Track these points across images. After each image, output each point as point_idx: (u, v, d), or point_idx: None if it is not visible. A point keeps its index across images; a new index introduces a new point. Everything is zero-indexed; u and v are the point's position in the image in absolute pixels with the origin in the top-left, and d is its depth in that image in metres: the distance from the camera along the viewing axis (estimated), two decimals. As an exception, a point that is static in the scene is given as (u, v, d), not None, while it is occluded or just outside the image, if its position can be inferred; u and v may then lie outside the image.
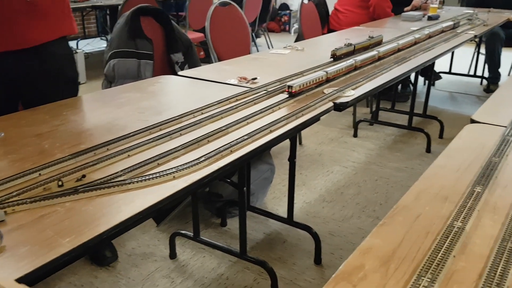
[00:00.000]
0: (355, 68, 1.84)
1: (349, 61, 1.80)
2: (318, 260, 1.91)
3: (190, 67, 2.43)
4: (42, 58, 1.55)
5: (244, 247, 1.76)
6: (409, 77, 4.03)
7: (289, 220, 2.00)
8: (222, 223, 2.21)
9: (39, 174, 0.99)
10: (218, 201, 2.22)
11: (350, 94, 1.50)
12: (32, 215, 0.84)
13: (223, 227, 2.19)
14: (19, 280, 0.68)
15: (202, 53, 5.06)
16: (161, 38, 2.48)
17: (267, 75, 1.81)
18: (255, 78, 1.76)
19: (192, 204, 1.89)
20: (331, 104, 1.44)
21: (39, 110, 1.43)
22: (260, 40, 6.32)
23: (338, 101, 1.47)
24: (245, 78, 1.76)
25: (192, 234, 1.94)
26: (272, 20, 7.56)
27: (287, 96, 1.51)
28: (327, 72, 1.63)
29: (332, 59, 2.03)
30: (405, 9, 4.01)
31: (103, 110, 1.45)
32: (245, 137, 1.19)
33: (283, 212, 2.19)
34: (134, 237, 2.10)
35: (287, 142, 2.92)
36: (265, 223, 2.20)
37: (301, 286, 1.78)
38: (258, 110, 1.38)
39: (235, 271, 1.87)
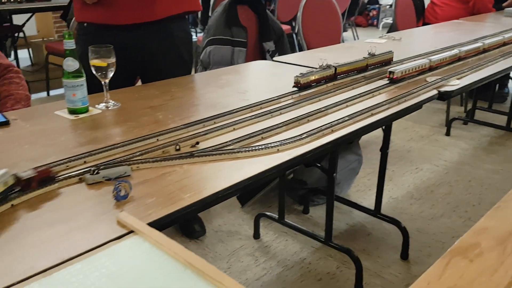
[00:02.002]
0: (459, 58, 1.77)
1: (453, 51, 1.72)
2: (405, 255, 1.86)
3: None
4: (163, 38, 1.63)
5: (329, 233, 1.77)
6: (508, 76, 3.76)
7: (376, 212, 1.97)
8: (304, 211, 2.23)
9: (157, 139, 1.08)
10: (301, 189, 2.24)
11: (455, 84, 1.45)
12: (155, 172, 0.92)
13: (305, 214, 2.21)
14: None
15: (287, 46, 5.10)
16: (255, 27, 2.55)
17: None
18: (352, 66, 1.75)
19: (279, 186, 1.93)
20: (435, 92, 1.40)
21: (150, 86, 1.55)
22: (347, 34, 6.21)
23: (442, 89, 1.42)
24: (341, 65, 1.75)
25: (277, 216, 1.98)
26: (360, 14, 7.40)
27: (387, 82, 1.49)
28: (430, 60, 1.58)
29: (296, 89, 1.44)
30: (504, 4, 3.74)
31: (206, 89, 1.53)
32: (346, 118, 1.19)
33: (367, 205, 2.17)
34: (220, 215, 2.19)
35: (374, 135, 2.87)
36: (348, 214, 2.18)
37: (386, 279, 1.76)
38: (358, 94, 1.38)
39: (318, 257, 1.88)
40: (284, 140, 1.07)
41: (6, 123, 1.15)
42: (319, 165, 1.76)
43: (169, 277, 0.62)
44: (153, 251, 0.67)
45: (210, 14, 4.54)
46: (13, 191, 0.81)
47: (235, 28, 2.49)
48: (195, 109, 1.32)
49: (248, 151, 1.01)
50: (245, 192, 2.36)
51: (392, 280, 1.75)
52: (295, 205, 2.27)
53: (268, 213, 2.02)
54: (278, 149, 1.03)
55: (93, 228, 0.74)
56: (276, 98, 1.38)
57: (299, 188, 2.25)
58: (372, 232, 2.04)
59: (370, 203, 2.09)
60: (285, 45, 2.61)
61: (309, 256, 1.89)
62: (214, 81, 1.63)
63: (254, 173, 0.93)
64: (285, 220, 1.98)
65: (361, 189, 2.43)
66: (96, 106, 1.31)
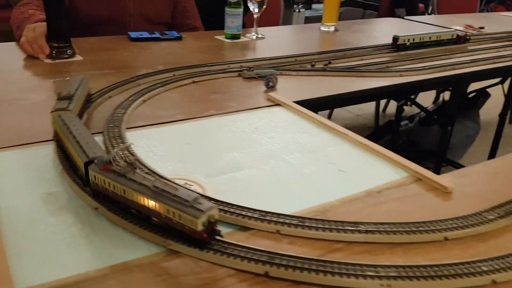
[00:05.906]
0: None
1: None
2: None
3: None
4: None
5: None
6: None
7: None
8: (413, 173, 2.30)
9: (295, 59, 1.30)
10: (411, 150, 2.31)
11: None
12: (295, 79, 1.14)
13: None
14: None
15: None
16: (389, -8, 2.63)
17: (494, 27, 1.83)
18: (482, 28, 1.79)
19: (392, 142, 2.04)
20: None
21: (288, 27, 1.78)
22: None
23: None
24: (471, 26, 1.81)
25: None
26: (501, 3, 6.83)
27: (515, 41, 1.53)
28: None
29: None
30: None
31: (340, 33, 1.71)
32: (468, 61, 1.30)
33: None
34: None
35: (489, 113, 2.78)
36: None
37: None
38: (486, 47, 1.46)
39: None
40: (407, 68, 1.22)
41: (179, 38, 1.47)
42: (436, 117, 1.84)
43: (307, 130, 0.83)
44: (294, 116, 0.89)
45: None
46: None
47: (369, -9, 2.60)
48: (327, 44, 1.51)
49: (374, 71, 1.18)
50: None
51: None
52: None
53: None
54: (401, 74, 1.18)
55: (251, 100, 0.98)
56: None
57: (410, 150, 2.32)
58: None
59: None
60: (417, 14, 2.66)
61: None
62: (349, 28, 1.80)
63: (379, 85, 1.11)
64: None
65: (472, 161, 2.42)
66: (246, 35, 1.57)
